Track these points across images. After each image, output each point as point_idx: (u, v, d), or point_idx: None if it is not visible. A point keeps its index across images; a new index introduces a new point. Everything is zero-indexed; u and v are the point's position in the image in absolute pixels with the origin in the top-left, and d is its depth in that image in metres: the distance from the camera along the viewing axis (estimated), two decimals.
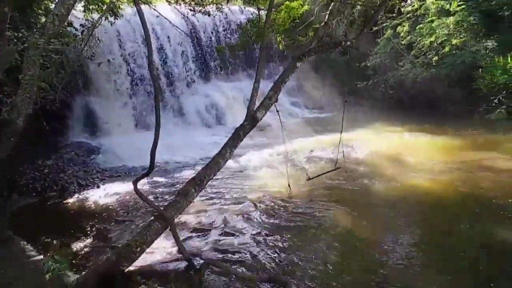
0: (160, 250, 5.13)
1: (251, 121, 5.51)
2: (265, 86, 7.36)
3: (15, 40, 5.57)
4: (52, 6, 8.87)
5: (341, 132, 6.22)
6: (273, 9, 6.75)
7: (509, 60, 11.82)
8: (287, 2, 7.84)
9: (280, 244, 5.34)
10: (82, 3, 9.43)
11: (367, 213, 6.26)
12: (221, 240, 5.56)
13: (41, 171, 8.79)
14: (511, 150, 8.80)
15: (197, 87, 15.85)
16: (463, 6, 12.67)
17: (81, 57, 6.63)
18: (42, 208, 7.65)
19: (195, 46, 16.37)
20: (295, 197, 6.83)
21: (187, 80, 15.83)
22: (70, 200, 7.90)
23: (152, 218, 4.78)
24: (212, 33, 17.04)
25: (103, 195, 8.05)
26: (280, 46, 10.25)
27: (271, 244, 5.35)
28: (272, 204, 6.77)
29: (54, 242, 5.54)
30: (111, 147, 11.24)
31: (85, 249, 5.54)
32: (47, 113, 8.60)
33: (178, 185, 7.87)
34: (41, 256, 5.07)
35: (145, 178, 5.49)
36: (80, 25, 9.28)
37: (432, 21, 13.38)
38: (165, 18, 9.77)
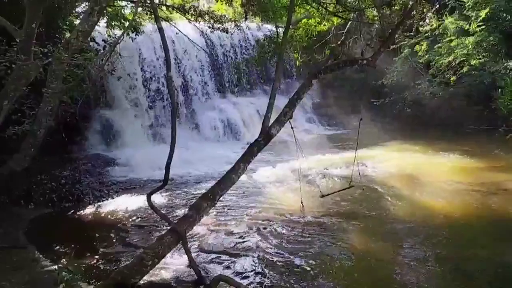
0: (172, 264, 5.12)
1: (266, 137, 5.52)
2: (282, 102, 7.38)
3: (41, 55, 5.78)
4: (77, 22, 9.22)
5: (356, 150, 6.18)
6: (291, 27, 6.86)
7: None
8: (304, 20, 7.95)
9: (291, 262, 5.26)
10: (105, 19, 9.77)
11: (382, 234, 6.13)
12: (232, 256, 5.51)
13: (58, 181, 8.92)
14: None
15: (213, 102, 16.05)
16: (483, 27, 12.56)
17: (103, 71, 6.84)
18: (58, 218, 7.74)
19: (212, 61, 16.65)
20: (308, 214, 6.75)
21: (204, 95, 16.06)
22: (85, 211, 7.98)
23: (165, 231, 4.79)
24: (229, 49, 17.33)
25: (117, 206, 8.12)
26: (298, 63, 10.37)
27: (282, 262, 5.27)
28: (285, 221, 6.70)
29: (68, 252, 5.59)
30: (127, 159, 11.39)
31: (98, 261, 5.57)
32: (66, 125, 8.85)
33: (192, 199, 7.88)
34: (55, 266, 5.12)
35: (160, 191, 5.54)
36: (103, 40, 9.62)
37: (450, 40, 13.27)
38: (184, 35, 10.04)
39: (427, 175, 8.83)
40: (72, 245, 6.09)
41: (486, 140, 11.89)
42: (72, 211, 8.04)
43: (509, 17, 12.04)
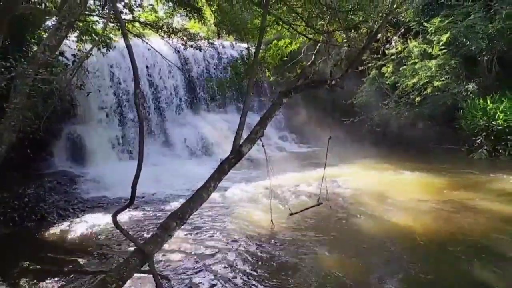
0: (137, 286, 4.96)
1: (237, 155, 5.51)
2: (255, 119, 7.44)
3: (2, 69, 5.60)
4: (46, 35, 9.01)
5: (324, 168, 6.26)
6: (263, 47, 6.98)
7: (488, 103, 12.33)
8: (275, 41, 8.14)
9: (261, 285, 5.21)
10: (76, 34, 9.60)
11: (350, 251, 6.20)
12: (201, 277, 5.41)
13: (20, 200, 8.52)
14: (492, 190, 8.93)
15: (186, 119, 15.99)
16: (444, 50, 13.30)
17: (70, 87, 6.68)
18: (18, 239, 7.38)
19: (185, 78, 16.67)
20: (279, 233, 6.75)
21: (176, 112, 15.97)
22: (48, 231, 7.65)
23: (131, 252, 4.65)
24: (203, 66, 17.43)
25: (82, 226, 7.83)
26: (271, 79, 10.53)
27: (252, 283, 5.22)
28: (255, 240, 6.65)
29: (27, 275, 5.31)
30: (96, 176, 11.07)
31: (58, 284, 5.32)
32: (32, 141, 8.52)
33: (162, 218, 7.70)
34: None
35: (129, 210, 5.38)
36: (72, 55, 9.44)
37: (415, 63, 13.96)
38: (157, 51, 10.00)
39: (395, 192, 9.07)
40: (32, 268, 5.80)
41: (450, 159, 12.41)
42: (35, 231, 7.70)
43: (468, 42, 12.83)
